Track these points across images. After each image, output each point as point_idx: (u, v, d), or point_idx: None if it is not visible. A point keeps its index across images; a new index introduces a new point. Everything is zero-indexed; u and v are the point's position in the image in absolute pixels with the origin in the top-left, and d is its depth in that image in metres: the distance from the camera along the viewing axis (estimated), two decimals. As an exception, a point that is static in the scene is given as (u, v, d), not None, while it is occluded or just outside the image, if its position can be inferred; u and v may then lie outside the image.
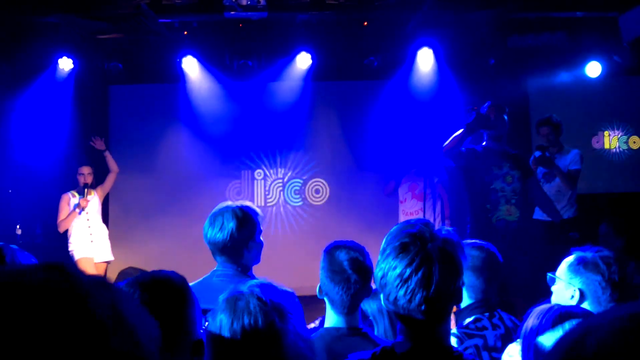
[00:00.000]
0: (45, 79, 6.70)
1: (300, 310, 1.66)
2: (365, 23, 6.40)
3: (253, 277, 2.63)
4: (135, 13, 5.45)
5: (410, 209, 6.25)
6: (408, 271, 1.54)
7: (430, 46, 6.68)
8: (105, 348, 0.64)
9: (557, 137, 5.69)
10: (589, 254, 2.38)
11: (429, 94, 6.92)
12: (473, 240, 2.73)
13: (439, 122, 6.88)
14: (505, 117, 4.82)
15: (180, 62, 6.78)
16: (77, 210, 6.23)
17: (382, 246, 1.64)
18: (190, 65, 6.84)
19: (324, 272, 2.27)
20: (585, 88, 7.13)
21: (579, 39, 6.62)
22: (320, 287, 2.29)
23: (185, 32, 6.37)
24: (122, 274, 6.98)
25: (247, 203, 2.68)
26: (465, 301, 2.62)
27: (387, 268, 1.58)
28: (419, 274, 1.54)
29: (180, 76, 7.00)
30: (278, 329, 1.50)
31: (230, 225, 2.53)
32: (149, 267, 7.46)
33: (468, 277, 2.58)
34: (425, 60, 6.79)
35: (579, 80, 7.04)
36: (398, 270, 1.55)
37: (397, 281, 1.55)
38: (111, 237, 7.47)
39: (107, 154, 6.65)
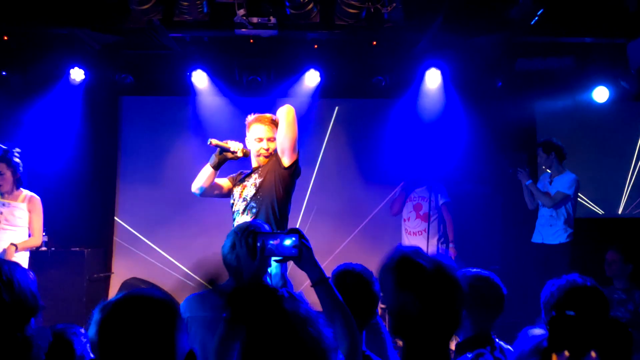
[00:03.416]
0: (58, 90, 6.80)
1: None
2: (375, 43, 6.45)
3: None
4: (147, 28, 5.52)
5: (413, 229, 6.27)
6: None
7: (438, 67, 6.72)
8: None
9: (552, 159, 5.74)
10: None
11: (436, 114, 6.96)
12: (477, 270, 2.68)
13: (445, 143, 6.92)
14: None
15: (190, 76, 6.85)
16: None
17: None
18: (200, 80, 6.91)
19: None
20: (592, 113, 7.14)
21: (587, 64, 6.65)
22: None
23: (196, 47, 6.44)
24: (125, 284, 7.00)
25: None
26: (466, 333, 2.58)
27: None
28: None
29: (190, 90, 7.08)
30: None
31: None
32: (152, 279, 7.45)
33: (470, 309, 2.56)
34: (433, 81, 6.82)
35: (586, 104, 7.06)
36: None
37: None
38: (116, 248, 7.51)
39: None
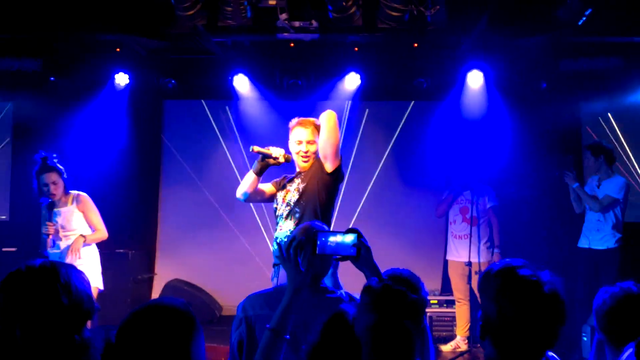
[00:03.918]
0: (104, 95, 6.95)
1: None
2: (416, 45, 6.40)
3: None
4: (191, 33, 5.59)
5: (459, 232, 6.19)
6: None
7: (481, 69, 6.63)
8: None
9: (600, 163, 5.59)
10: None
11: (479, 116, 6.87)
12: None
13: (489, 146, 6.82)
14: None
15: (232, 80, 6.92)
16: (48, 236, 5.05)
17: None
18: (242, 83, 6.97)
19: None
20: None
21: (636, 64, 6.47)
22: None
23: (237, 52, 6.50)
24: (168, 286, 7.10)
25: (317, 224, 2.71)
26: None
27: None
28: None
29: (232, 93, 7.15)
30: None
31: None
32: (194, 281, 7.50)
33: None
34: (475, 83, 6.74)
35: (634, 106, 6.87)
36: None
37: None
38: (159, 249, 7.61)
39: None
